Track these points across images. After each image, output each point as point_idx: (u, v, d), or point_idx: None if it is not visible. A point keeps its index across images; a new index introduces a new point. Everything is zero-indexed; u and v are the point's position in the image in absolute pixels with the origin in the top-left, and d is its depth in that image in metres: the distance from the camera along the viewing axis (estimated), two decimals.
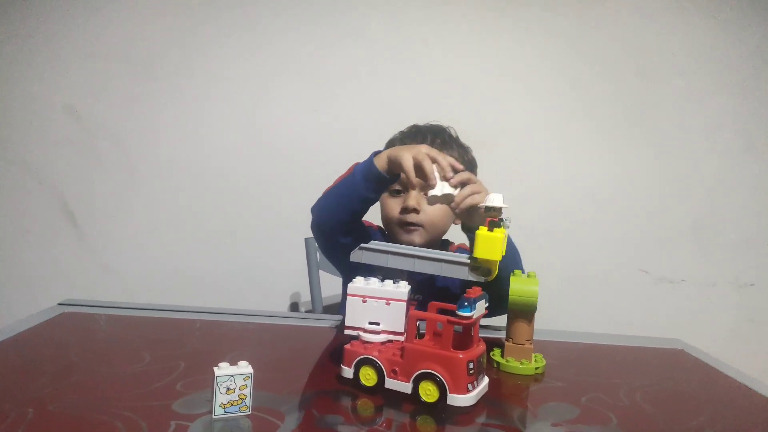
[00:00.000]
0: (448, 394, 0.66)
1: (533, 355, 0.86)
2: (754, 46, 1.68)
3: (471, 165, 1.22)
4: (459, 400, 0.66)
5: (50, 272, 1.64)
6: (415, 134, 1.19)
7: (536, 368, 0.84)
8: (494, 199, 0.74)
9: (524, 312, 0.85)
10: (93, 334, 0.92)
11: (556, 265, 1.69)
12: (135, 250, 1.65)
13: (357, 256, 0.81)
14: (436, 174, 0.88)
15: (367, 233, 1.14)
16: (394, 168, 0.93)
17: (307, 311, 1.68)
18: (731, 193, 1.71)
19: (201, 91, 1.64)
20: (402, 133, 1.22)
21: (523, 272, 0.90)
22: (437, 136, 1.18)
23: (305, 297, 1.69)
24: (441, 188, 0.88)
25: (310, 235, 1.16)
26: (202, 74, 1.64)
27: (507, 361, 0.85)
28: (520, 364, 0.84)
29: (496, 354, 0.88)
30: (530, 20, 1.66)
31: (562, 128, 1.69)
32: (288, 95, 1.65)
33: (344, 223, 1.04)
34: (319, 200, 1.06)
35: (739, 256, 1.73)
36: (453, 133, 1.23)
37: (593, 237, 1.70)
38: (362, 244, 0.81)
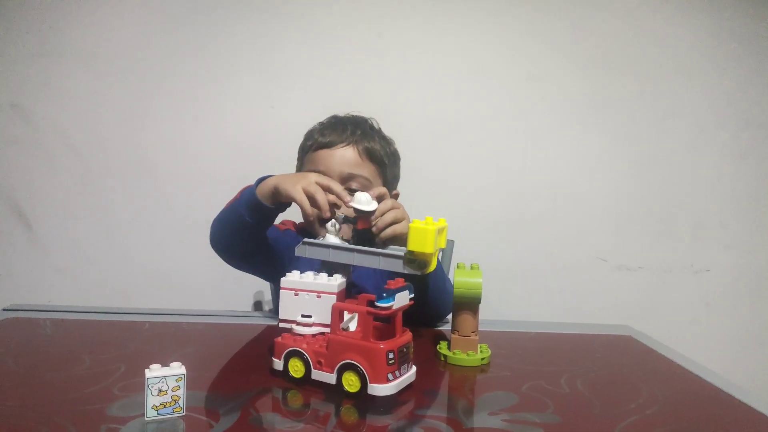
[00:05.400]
0: (368, 383, 0.66)
1: (479, 346, 0.86)
2: (704, 36, 1.72)
3: (394, 158, 1.20)
4: (379, 389, 0.66)
5: (1, 276, 1.60)
6: (335, 125, 1.16)
7: (482, 359, 0.85)
8: (360, 200, 0.83)
9: (469, 304, 0.85)
10: (36, 340, 0.90)
11: (514, 255, 1.71)
12: (88, 252, 1.61)
13: (301, 250, 0.81)
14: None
15: (271, 249, 1.06)
16: (281, 198, 0.88)
17: (270, 310, 1.67)
18: (686, 180, 1.75)
19: (153, 88, 1.61)
20: (321, 123, 1.19)
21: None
22: (358, 127, 1.15)
23: (269, 296, 1.68)
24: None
25: None
26: (154, 71, 1.61)
27: (453, 353, 0.85)
28: (466, 355, 0.85)
29: (442, 347, 0.88)
30: (486, 9, 1.67)
31: (518, 118, 1.70)
32: (244, 91, 1.63)
33: (240, 250, 1.01)
34: (213, 222, 1.02)
35: (694, 242, 1.77)
36: (375, 124, 1.21)
37: (551, 226, 1.73)
38: (305, 239, 0.81)
